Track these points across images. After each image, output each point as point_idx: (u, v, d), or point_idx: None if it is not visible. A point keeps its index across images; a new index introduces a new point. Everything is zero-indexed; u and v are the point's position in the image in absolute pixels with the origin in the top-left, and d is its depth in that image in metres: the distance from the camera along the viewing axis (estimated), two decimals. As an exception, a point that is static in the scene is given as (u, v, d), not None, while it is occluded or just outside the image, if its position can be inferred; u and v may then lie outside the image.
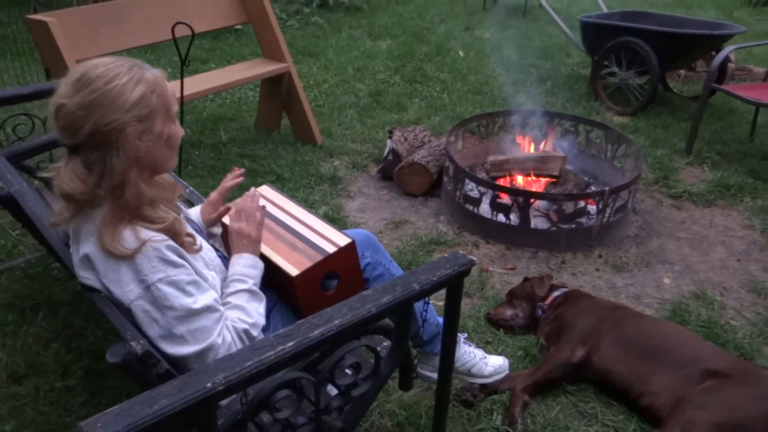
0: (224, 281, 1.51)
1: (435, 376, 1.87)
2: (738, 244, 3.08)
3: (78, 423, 0.93)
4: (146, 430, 0.94)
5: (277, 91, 3.94)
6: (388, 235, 3.09)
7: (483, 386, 2.09)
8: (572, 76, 5.41)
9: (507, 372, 2.07)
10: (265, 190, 1.90)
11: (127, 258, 1.28)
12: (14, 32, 5.18)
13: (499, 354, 2.21)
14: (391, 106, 4.68)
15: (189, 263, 1.36)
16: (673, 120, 4.44)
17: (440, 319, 1.85)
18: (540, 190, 3.28)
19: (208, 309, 1.34)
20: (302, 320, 1.18)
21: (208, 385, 1.01)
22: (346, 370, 1.34)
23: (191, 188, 2.35)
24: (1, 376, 2.13)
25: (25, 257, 2.76)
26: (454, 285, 1.42)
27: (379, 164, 3.69)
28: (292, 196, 1.85)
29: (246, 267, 1.51)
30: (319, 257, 1.60)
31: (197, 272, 1.38)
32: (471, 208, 3.11)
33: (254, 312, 1.46)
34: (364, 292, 1.27)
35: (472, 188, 3.17)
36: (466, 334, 2.13)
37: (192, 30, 2.92)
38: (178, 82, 3.16)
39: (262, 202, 1.85)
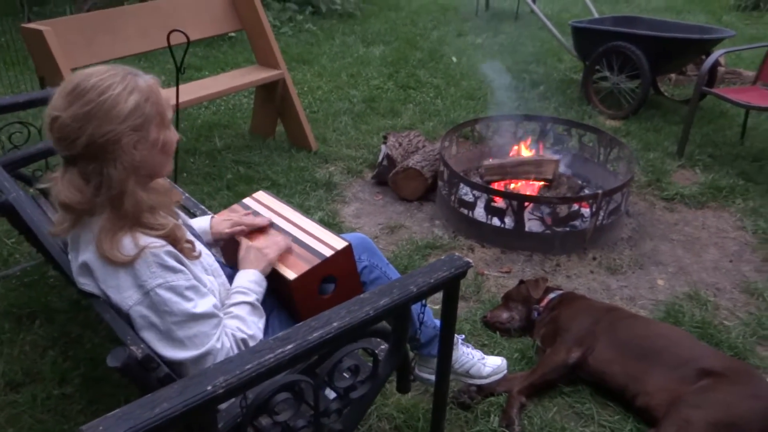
0: (222, 286, 1.52)
1: (432, 378, 1.88)
2: (730, 245, 3.11)
3: (79, 427, 0.93)
4: (147, 433, 0.95)
5: (271, 97, 3.96)
6: (383, 240, 3.10)
7: (480, 388, 2.10)
8: (564, 81, 5.45)
9: (505, 372, 2.08)
10: (261, 195, 1.91)
11: (126, 264, 1.28)
12: (8, 41, 5.18)
13: (498, 356, 2.22)
14: (385, 111, 4.70)
15: (188, 268, 1.37)
16: (664, 123, 4.48)
17: (437, 322, 1.86)
18: (534, 193, 3.31)
19: (208, 314, 1.34)
20: (301, 323, 1.19)
21: (209, 388, 1.02)
22: (344, 373, 1.35)
23: (187, 194, 2.36)
24: (-2, 384, 2.13)
25: (21, 265, 2.75)
26: (450, 287, 1.43)
27: (374, 170, 3.70)
28: (287, 202, 1.87)
29: (252, 282, 1.53)
30: (317, 261, 1.61)
31: (196, 277, 1.39)
32: (466, 212, 3.13)
33: (254, 325, 1.47)
34: (362, 295, 1.29)
35: (466, 192, 3.18)
36: (463, 336, 2.14)
37: (187, 37, 2.93)
38: (173, 89, 3.16)
39: (257, 207, 1.86)
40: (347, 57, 6.05)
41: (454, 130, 3.61)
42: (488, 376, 2.04)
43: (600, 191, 2.95)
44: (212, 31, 3.74)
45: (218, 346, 1.34)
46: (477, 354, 2.05)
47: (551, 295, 2.49)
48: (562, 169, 3.48)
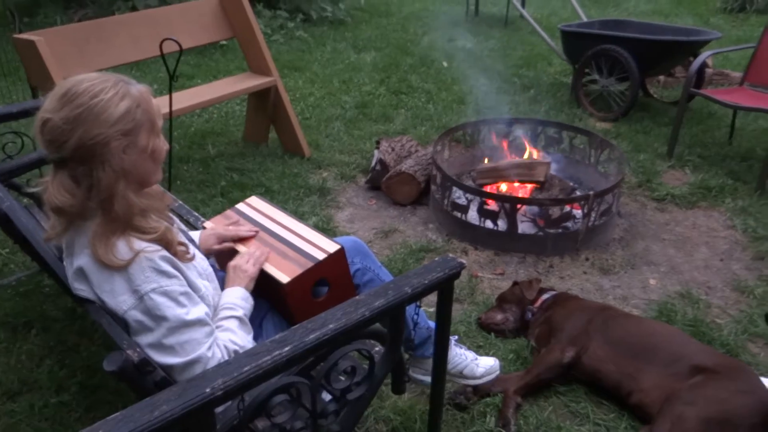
0: (216, 291, 1.53)
1: (427, 379, 1.90)
2: (721, 244, 3.15)
3: (80, 430, 0.94)
4: (147, 435, 0.95)
5: (264, 104, 3.97)
6: (377, 244, 3.12)
7: (476, 389, 2.12)
8: (555, 84, 5.49)
9: (498, 372, 2.09)
10: (254, 200, 1.93)
11: (121, 268, 1.29)
12: (-1, 52, 5.17)
13: (491, 357, 2.23)
14: (377, 117, 4.72)
15: (182, 273, 1.38)
16: (654, 125, 4.53)
17: (431, 323, 1.87)
18: (526, 195, 3.33)
19: (200, 322, 1.35)
20: (297, 325, 1.20)
21: (207, 390, 1.03)
22: (341, 375, 1.37)
23: (180, 202, 2.37)
24: (-6, 394, 2.13)
25: (16, 275, 2.75)
26: (445, 288, 1.45)
27: (367, 175, 3.72)
28: (280, 207, 1.88)
29: (238, 299, 1.54)
30: (309, 264, 1.62)
31: (190, 282, 1.40)
32: (459, 215, 3.15)
33: (244, 337, 1.48)
34: (357, 297, 1.30)
35: (459, 196, 3.21)
36: (457, 337, 2.16)
37: (180, 46, 2.94)
38: (166, 97, 3.17)
39: (250, 212, 1.87)
40: (339, 63, 6.08)
41: (446, 134, 3.63)
42: (481, 376, 2.05)
43: (591, 192, 2.98)
44: (204, 39, 3.76)
45: (209, 354, 1.35)
46: (470, 355, 2.07)
47: (545, 296, 2.51)
48: (553, 171, 3.51)
